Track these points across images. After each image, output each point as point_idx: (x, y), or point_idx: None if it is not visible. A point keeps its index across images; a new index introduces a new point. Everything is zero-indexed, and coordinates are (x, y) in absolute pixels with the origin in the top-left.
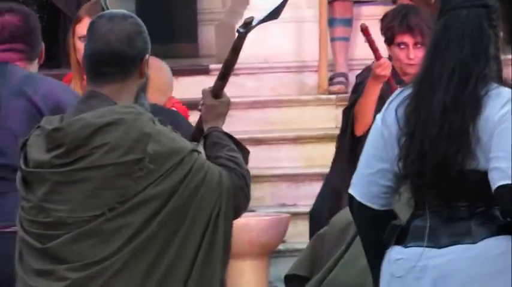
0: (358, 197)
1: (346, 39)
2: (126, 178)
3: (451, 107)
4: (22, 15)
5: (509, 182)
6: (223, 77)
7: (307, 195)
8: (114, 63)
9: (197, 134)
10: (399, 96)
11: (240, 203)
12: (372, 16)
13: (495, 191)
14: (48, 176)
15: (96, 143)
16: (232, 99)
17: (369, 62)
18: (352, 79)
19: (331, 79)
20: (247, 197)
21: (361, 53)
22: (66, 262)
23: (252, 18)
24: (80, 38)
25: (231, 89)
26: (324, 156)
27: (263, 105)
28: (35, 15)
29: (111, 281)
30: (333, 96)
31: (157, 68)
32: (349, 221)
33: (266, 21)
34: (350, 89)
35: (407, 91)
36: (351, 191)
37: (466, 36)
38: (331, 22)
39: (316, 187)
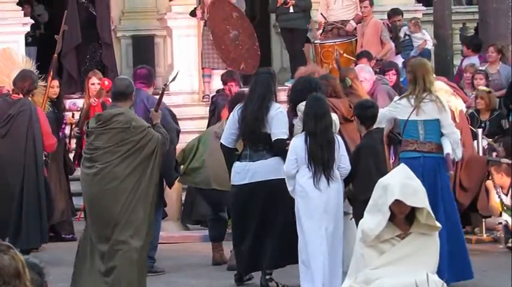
0: (224, 142)
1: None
2: (123, 133)
3: (257, 110)
4: (147, 69)
5: (277, 138)
6: (158, 104)
7: None
8: (122, 95)
9: (151, 124)
10: (239, 106)
11: (165, 147)
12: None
13: (273, 142)
14: (95, 131)
15: (113, 119)
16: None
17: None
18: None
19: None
20: (166, 146)
21: (218, 86)
22: (97, 161)
23: (167, 81)
24: (92, 84)
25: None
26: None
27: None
28: (152, 70)
29: (113, 168)
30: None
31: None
32: (195, 143)
33: (170, 83)
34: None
35: (241, 105)
36: (221, 141)
37: (264, 84)
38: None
39: None
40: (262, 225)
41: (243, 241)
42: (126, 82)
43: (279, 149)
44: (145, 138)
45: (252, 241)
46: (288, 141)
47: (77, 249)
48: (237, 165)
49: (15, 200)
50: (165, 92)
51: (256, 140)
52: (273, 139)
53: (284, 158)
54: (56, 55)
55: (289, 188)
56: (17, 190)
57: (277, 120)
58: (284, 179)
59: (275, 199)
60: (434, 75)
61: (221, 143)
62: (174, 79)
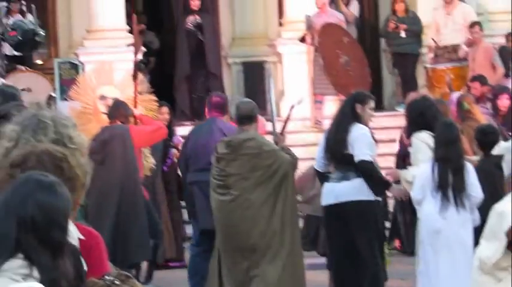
0: (316, 167)
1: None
2: (255, 159)
3: (339, 132)
4: (222, 98)
5: (360, 159)
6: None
7: None
8: (248, 119)
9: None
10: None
11: (295, 169)
12: None
13: (356, 163)
14: (226, 157)
15: (245, 145)
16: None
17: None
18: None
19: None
20: (296, 167)
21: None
22: (231, 188)
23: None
24: None
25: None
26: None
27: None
28: (227, 98)
29: (249, 195)
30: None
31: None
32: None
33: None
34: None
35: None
36: (314, 165)
37: (347, 106)
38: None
39: None
40: (345, 249)
41: (331, 263)
42: (251, 105)
43: (363, 170)
44: (277, 162)
45: (336, 264)
46: (372, 164)
47: (208, 274)
48: (324, 186)
49: (113, 222)
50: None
51: (341, 162)
52: (356, 161)
53: (368, 180)
54: (136, 59)
55: (418, 215)
56: (115, 211)
57: (359, 141)
58: (369, 200)
59: (358, 221)
60: None
61: (314, 168)
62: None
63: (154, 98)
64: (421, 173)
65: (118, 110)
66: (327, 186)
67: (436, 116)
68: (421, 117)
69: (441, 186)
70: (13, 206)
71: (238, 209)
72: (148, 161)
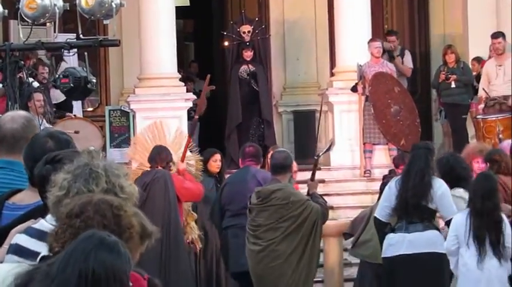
0: (378, 216)
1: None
2: (282, 209)
3: (417, 186)
4: (255, 147)
5: (451, 217)
6: (313, 174)
7: None
8: (281, 168)
9: (307, 195)
10: (395, 179)
11: (325, 218)
12: None
13: (449, 221)
14: (256, 207)
15: (272, 196)
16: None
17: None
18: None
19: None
20: (327, 216)
21: (379, 162)
22: (260, 239)
23: (318, 153)
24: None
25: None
26: None
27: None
28: (260, 149)
29: (276, 246)
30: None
31: None
32: (366, 213)
33: (323, 153)
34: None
35: (397, 178)
36: (375, 214)
37: (422, 159)
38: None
39: None
40: None
41: None
42: (285, 154)
43: None
44: (305, 212)
45: None
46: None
47: None
48: (390, 237)
49: (158, 265)
50: (319, 165)
51: (413, 214)
52: (447, 219)
53: None
54: (196, 117)
55: (451, 266)
56: (157, 257)
57: (445, 197)
58: (439, 253)
59: (427, 274)
60: None
61: (375, 217)
62: (328, 150)
63: (201, 158)
64: (455, 223)
65: (159, 155)
66: (394, 236)
67: (467, 170)
68: (451, 172)
69: (477, 238)
70: (75, 259)
71: (265, 259)
72: (195, 232)
